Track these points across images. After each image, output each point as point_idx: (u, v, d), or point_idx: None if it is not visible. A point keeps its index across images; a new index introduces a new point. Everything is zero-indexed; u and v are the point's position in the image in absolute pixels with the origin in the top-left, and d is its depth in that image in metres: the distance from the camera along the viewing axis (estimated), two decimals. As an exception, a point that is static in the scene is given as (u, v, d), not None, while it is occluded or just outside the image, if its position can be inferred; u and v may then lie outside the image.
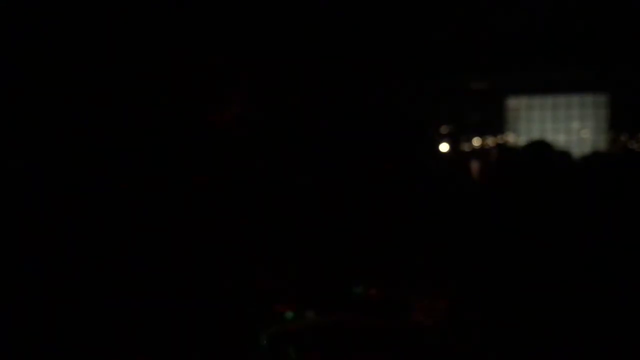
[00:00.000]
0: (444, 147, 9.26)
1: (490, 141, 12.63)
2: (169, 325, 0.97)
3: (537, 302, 2.03)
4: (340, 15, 7.57)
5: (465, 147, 12.17)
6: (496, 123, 13.21)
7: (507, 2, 8.74)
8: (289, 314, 1.99)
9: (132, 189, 0.98)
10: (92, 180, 0.95)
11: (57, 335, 0.89)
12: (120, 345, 0.93)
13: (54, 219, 0.93)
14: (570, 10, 8.83)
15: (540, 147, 3.11)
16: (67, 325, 0.91)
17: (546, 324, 1.95)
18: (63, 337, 0.90)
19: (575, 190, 2.53)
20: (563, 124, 13.37)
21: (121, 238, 0.96)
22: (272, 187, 2.50)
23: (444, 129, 11.32)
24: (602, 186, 2.76)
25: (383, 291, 2.08)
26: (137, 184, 0.99)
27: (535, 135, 13.44)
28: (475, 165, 5.14)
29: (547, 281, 2.06)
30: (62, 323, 0.91)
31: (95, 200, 0.95)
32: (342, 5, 7.53)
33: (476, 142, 12.38)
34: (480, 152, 11.12)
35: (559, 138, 13.28)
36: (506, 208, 2.29)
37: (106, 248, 0.95)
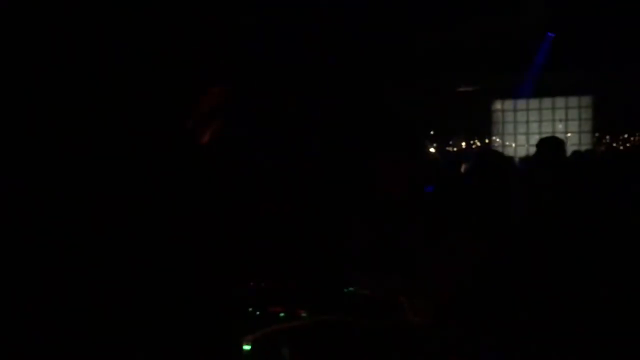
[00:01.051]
0: (431, 149, 9.33)
1: (478, 143, 12.74)
2: (155, 326, 0.97)
3: (527, 301, 2.06)
4: (332, 19, 7.61)
5: (453, 149, 12.26)
6: (483, 125, 13.31)
7: (493, 8, 8.82)
8: (282, 315, 2.01)
9: (119, 192, 0.97)
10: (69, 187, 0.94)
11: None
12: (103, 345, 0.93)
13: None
14: (556, 16, 8.94)
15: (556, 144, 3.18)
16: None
17: (536, 321, 1.98)
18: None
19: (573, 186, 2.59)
20: (549, 126, 13.47)
21: (108, 240, 0.96)
22: (262, 188, 2.52)
23: (431, 131, 11.40)
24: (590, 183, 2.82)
25: (376, 292, 2.10)
26: (124, 186, 0.99)
27: (521, 136, 13.55)
28: (463, 167, 5.18)
29: (539, 280, 2.09)
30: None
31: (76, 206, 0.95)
32: (333, 9, 7.57)
33: (463, 143, 12.49)
34: (468, 153, 11.21)
35: (544, 139, 13.37)
36: (500, 206, 2.33)
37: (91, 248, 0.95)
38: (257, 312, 2.01)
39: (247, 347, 1.82)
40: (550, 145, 3.77)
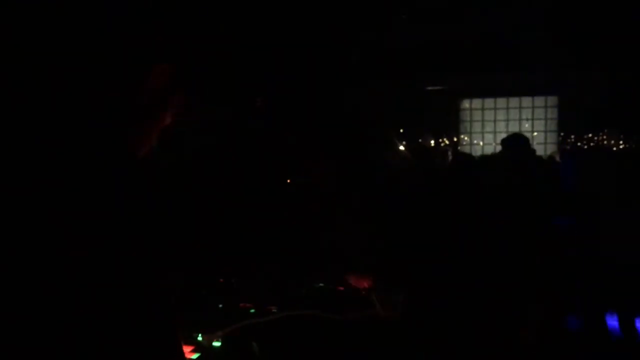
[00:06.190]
0: (400, 147, 9.40)
1: (446, 141, 12.89)
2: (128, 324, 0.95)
3: (490, 296, 2.10)
4: (298, 17, 7.60)
5: (421, 147, 12.36)
6: (451, 123, 13.47)
7: (462, 9, 8.92)
8: (252, 311, 2.02)
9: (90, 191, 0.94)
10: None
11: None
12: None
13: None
14: (523, 17, 9.09)
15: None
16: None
17: (497, 315, 2.03)
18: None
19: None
20: (515, 125, 13.69)
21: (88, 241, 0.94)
22: (233, 188, 2.52)
23: (400, 130, 11.49)
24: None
25: (347, 287, 2.12)
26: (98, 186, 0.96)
27: (489, 135, 13.77)
28: (430, 164, 5.23)
29: (500, 276, 2.13)
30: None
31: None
32: (299, 8, 7.56)
33: (431, 141, 12.61)
34: (435, 151, 11.31)
35: (511, 138, 13.60)
36: (468, 205, 2.38)
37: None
38: (227, 308, 2.02)
39: (217, 343, 1.82)
40: (515, 143, 3.84)
